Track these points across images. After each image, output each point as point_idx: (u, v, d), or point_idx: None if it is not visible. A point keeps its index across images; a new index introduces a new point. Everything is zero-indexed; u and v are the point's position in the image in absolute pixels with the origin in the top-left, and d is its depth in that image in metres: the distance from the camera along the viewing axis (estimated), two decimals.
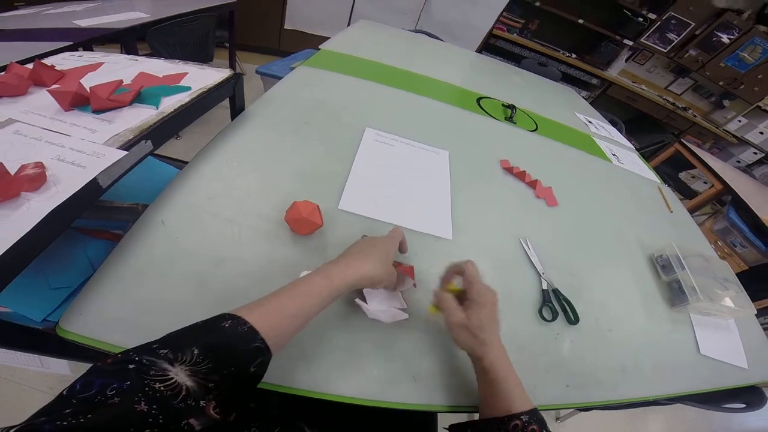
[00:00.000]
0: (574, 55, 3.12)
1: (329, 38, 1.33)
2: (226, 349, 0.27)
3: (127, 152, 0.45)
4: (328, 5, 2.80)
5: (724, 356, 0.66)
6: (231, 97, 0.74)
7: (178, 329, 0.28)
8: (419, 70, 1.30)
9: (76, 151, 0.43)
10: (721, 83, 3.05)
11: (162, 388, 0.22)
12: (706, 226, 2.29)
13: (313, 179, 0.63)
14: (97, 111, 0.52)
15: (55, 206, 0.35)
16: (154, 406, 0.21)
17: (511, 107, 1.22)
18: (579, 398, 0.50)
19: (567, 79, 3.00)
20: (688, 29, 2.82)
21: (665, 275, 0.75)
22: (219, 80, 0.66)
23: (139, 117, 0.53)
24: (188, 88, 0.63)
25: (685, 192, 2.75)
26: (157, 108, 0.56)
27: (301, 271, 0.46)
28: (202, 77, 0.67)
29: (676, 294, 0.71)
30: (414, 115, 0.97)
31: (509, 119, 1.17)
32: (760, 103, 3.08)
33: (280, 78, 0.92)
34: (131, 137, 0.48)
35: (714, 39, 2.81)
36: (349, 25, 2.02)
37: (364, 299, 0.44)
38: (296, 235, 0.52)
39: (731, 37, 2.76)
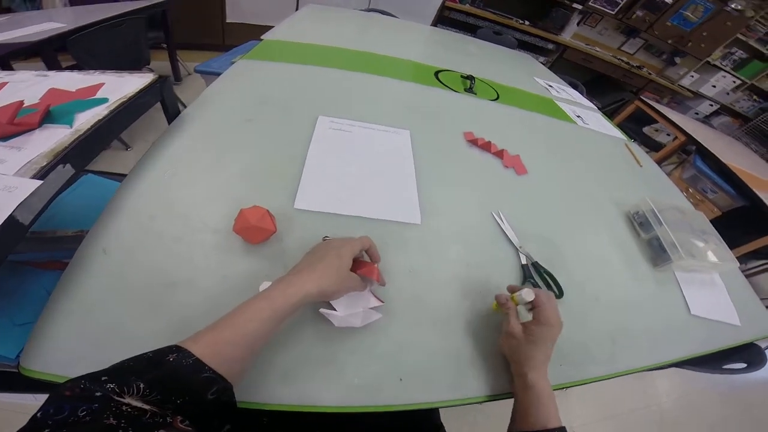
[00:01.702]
0: (527, 22, 3.12)
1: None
2: (172, 381, 0.27)
3: (42, 181, 0.39)
4: None
5: (715, 314, 0.64)
6: (161, 101, 0.66)
7: (126, 359, 0.28)
8: (374, 49, 1.24)
9: None
10: (669, 41, 3.17)
11: (128, 410, 0.24)
12: (675, 175, 2.39)
13: (263, 180, 0.57)
14: (1, 138, 0.45)
15: None
16: (123, 422, 0.23)
17: (470, 78, 1.19)
18: (575, 376, 0.49)
19: (523, 46, 3.00)
20: None
21: (644, 233, 0.74)
22: (140, 87, 0.59)
23: (51, 139, 0.46)
24: (105, 100, 0.56)
25: (650, 145, 2.86)
26: (71, 126, 0.50)
27: (261, 282, 0.43)
28: (121, 86, 0.59)
29: (657, 252, 0.69)
30: (371, 97, 0.92)
31: (469, 90, 1.14)
32: (708, 59, 3.23)
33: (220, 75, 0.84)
34: (45, 163, 0.42)
35: None
36: None
37: (330, 307, 0.41)
38: (249, 245, 0.47)
39: None
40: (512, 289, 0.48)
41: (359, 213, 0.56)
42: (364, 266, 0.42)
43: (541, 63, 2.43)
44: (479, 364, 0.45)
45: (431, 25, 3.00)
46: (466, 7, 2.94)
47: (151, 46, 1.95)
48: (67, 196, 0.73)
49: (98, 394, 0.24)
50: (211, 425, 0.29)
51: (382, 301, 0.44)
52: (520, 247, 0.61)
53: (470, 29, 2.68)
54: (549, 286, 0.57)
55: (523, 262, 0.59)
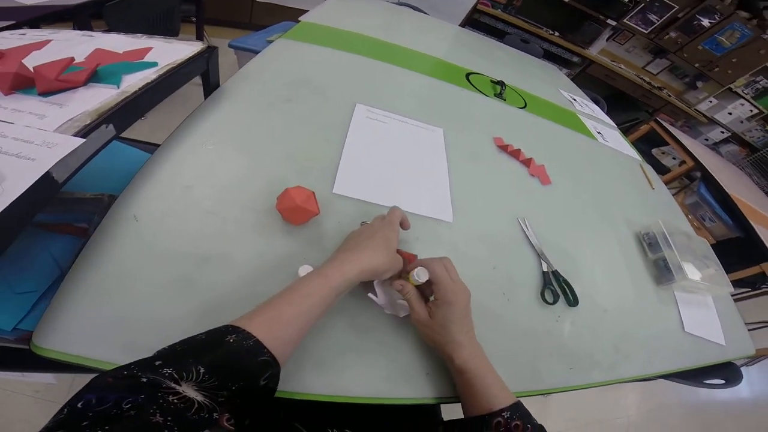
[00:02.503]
0: (556, 33, 3.09)
1: (304, 11, 1.24)
2: (232, 365, 0.26)
3: (84, 140, 0.38)
4: None
5: (705, 333, 0.68)
6: (204, 73, 0.66)
7: (179, 342, 0.27)
8: (406, 43, 1.23)
9: (21, 141, 0.36)
10: (696, 65, 3.13)
11: (175, 401, 0.22)
12: (678, 200, 2.38)
13: (303, 162, 0.57)
14: (45, 93, 0.44)
15: (2, 209, 0.29)
16: (169, 418, 0.21)
17: (501, 83, 1.19)
18: (581, 380, 0.50)
19: (548, 56, 2.98)
20: (671, 12, 2.85)
21: (652, 253, 0.76)
22: (190, 54, 0.58)
23: (97, 98, 0.45)
24: (155, 64, 0.56)
25: (656, 168, 2.83)
26: (118, 87, 0.49)
27: (299, 265, 0.42)
28: (169, 52, 0.59)
29: (662, 272, 0.72)
30: (405, 90, 0.92)
31: (499, 96, 1.14)
32: (731, 86, 3.19)
33: (256, 52, 0.84)
34: (89, 122, 0.41)
35: (695, 22, 2.85)
36: None
37: (375, 293, 0.41)
38: (288, 226, 0.47)
39: (712, 21, 2.80)
40: (404, 272, 0.43)
41: (394, 203, 0.56)
42: (404, 253, 0.42)
43: (565, 75, 2.42)
44: (501, 362, 0.45)
45: (459, 25, 2.98)
46: (498, 12, 2.91)
47: (182, 19, 1.94)
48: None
49: (144, 380, 0.22)
50: (257, 416, 0.27)
51: None
52: (542, 254, 0.62)
53: (498, 34, 2.66)
54: (566, 295, 0.58)
55: (545, 269, 0.60)
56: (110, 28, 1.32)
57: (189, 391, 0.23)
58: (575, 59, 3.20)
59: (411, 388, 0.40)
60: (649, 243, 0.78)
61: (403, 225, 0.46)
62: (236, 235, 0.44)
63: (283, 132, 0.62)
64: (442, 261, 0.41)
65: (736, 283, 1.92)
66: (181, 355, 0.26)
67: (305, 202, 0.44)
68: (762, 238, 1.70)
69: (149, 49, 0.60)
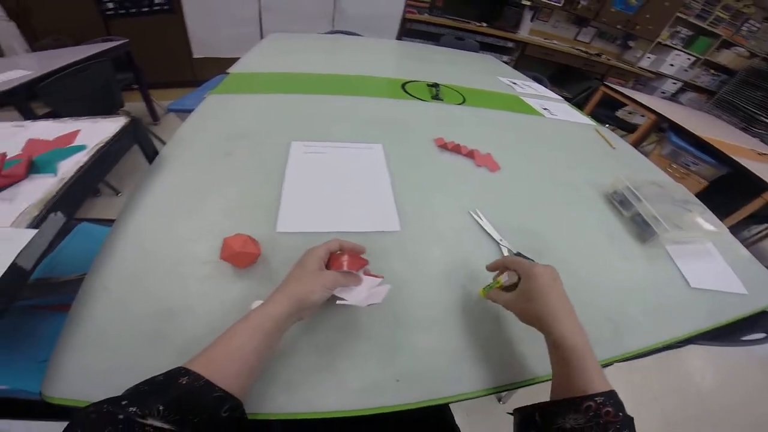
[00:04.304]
0: (484, 24, 3.25)
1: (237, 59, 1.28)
2: (189, 403, 0.29)
3: (37, 230, 0.42)
4: (232, 27, 2.71)
5: (717, 285, 0.62)
6: (139, 144, 0.68)
7: (140, 383, 0.30)
8: (340, 70, 1.29)
9: None
10: (618, 27, 3.35)
11: (151, 430, 0.25)
12: (655, 153, 2.47)
13: (246, 209, 0.60)
14: None
15: None
16: None
17: (435, 85, 1.24)
18: None
19: (486, 48, 3.12)
20: None
21: (626, 211, 0.74)
22: (115, 131, 0.61)
23: (40, 189, 0.48)
24: (84, 147, 0.58)
25: (627, 128, 2.95)
26: (56, 174, 0.52)
27: (253, 301, 0.45)
28: (96, 131, 0.62)
29: (642, 228, 0.69)
30: (341, 117, 0.95)
31: (436, 97, 1.19)
32: (659, 39, 3.41)
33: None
34: (37, 213, 0.44)
35: None
36: None
37: (341, 299, 0.42)
38: (239, 270, 0.49)
39: None
40: (494, 269, 0.50)
41: (339, 228, 0.59)
42: (335, 261, 0.43)
43: (506, 62, 2.53)
44: (473, 357, 0.46)
45: (396, 38, 3.10)
46: (426, 17, 3.05)
47: (124, 88, 1.97)
48: (67, 244, 0.81)
49: (121, 416, 0.25)
50: None
51: (381, 276, 0.46)
52: (501, 241, 0.63)
53: (434, 38, 2.78)
54: None
55: (505, 254, 0.61)
56: (52, 108, 1.35)
57: (159, 423, 0.26)
58: (510, 45, 3.36)
59: (383, 396, 0.41)
60: (619, 201, 0.77)
61: (354, 251, 0.46)
62: (195, 288, 0.47)
63: (225, 185, 0.64)
64: (510, 258, 0.48)
65: (750, 221, 1.93)
66: (144, 395, 0.29)
67: (243, 247, 0.47)
68: (750, 168, 1.76)
69: (77, 131, 0.62)
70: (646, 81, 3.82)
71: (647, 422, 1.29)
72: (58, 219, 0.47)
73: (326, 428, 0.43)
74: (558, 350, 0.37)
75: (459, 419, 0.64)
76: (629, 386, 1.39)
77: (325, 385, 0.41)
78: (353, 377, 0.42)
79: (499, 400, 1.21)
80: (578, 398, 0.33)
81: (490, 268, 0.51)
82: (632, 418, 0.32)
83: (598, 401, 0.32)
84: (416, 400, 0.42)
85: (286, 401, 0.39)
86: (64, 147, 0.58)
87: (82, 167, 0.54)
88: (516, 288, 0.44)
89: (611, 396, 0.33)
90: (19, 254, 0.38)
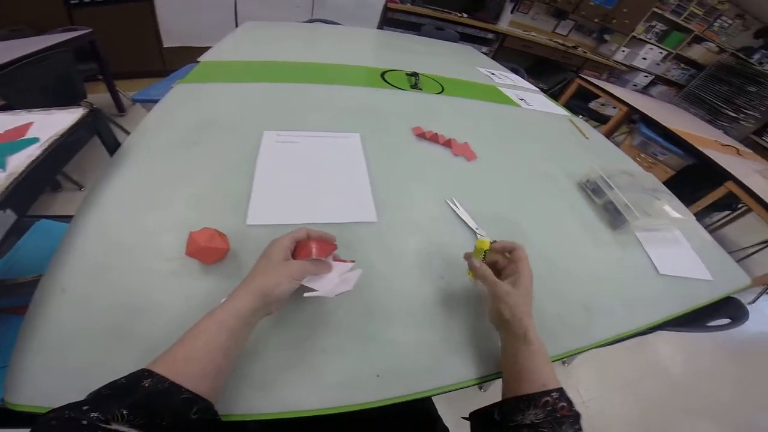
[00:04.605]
0: (465, 15, 3.24)
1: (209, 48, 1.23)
2: (154, 406, 0.27)
3: None
4: (205, 15, 2.59)
5: (684, 272, 0.64)
6: (99, 135, 0.65)
7: (101, 388, 0.29)
8: (318, 59, 1.25)
9: None
10: (596, 20, 3.41)
11: None
12: (626, 143, 2.56)
13: (214, 202, 0.57)
14: None
15: None
16: None
17: (414, 75, 1.23)
18: (553, 350, 0.47)
19: (465, 39, 3.12)
20: None
21: (598, 198, 0.77)
22: (72, 123, 0.57)
23: None
24: (36, 140, 0.54)
25: (600, 119, 3.04)
26: (5, 170, 0.48)
27: (222, 298, 0.42)
28: (50, 124, 0.58)
29: (613, 215, 0.72)
30: (317, 106, 0.93)
31: (415, 86, 1.18)
32: (634, 34, 3.51)
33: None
34: None
35: None
36: None
37: (311, 289, 0.40)
38: (206, 266, 0.47)
39: None
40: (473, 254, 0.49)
41: (313, 219, 0.57)
42: (301, 250, 0.42)
43: (485, 53, 2.54)
44: (454, 349, 0.46)
45: (377, 28, 3.06)
46: (407, 7, 3.01)
47: (88, 79, 1.86)
48: (24, 243, 0.77)
49: (84, 422, 0.24)
50: None
51: (353, 261, 0.45)
52: (477, 229, 0.64)
53: (415, 28, 2.76)
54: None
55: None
56: (7, 101, 1.26)
57: (124, 428, 0.25)
58: (490, 36, 3.38)
59: (362, 392, 0.40)
60: (592, 189, 0.79)
61: (321, 239, 0.45)
62: (159, 286, 0.45)
63: (192, 176, 0.61)
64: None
65: (712, 209, 2.03)
66: (106, 399, 0.27)
67: (209, 242, 0.44)
68: (713, 159, 1.85)
69: (30, 124, 0.58)
70: (619, 74, 3.93)
71: (622, 406, 1.33)
72: (7, 217, 0.44)
73: (305, 425, 0.42)
74: (531, 346, 0.38)
75: (441, 408, 0.65)
76: (602, 372, 1.44)
77: (300, 382, 0.40)
78: (330, 372, 0.41)
79: (480, 387, 1.24)
80: (538, 394, 0.34)
81: (497, 248, 0.49)
82: (580, 414, 0.34)
83: (555, 397, 0.34)
84: (398, 394, 0.41)
85: (260, 401, 0.38)
86: (15, 140, 0.54)
87: (34, 161, 0.51)
88: (501, 273, 0.46)
89: (563, 392, 0.35)
90: None
